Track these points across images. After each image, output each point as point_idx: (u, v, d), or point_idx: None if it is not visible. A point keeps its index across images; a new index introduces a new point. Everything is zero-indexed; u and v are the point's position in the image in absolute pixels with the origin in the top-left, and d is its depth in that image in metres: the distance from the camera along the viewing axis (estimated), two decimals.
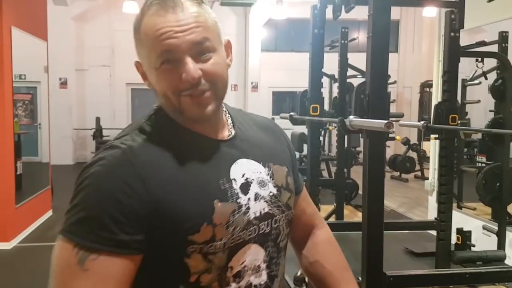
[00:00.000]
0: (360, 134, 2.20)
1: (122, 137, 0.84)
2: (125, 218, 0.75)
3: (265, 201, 0.90)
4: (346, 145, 5.64)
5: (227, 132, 0.93)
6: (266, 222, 0.89)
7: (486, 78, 4.38)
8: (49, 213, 5.92)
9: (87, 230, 0.74)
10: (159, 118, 0.88)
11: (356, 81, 5.03)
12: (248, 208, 0.86)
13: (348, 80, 5.25)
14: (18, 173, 4.89)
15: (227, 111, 0.97)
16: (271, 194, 0.91)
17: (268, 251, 0.90)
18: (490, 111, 3.82)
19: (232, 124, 0.95)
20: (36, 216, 5.49)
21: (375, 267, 2.08)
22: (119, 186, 0.76)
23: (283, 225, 0.94)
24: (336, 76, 5.48)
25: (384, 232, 2.10)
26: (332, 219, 5.12)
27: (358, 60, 5.52)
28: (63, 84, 10.95)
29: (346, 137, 5.57)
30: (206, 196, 0.82)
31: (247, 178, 0.89)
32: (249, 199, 0.87)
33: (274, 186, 0.93)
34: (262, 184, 0.91)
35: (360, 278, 2.16)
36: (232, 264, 0.84)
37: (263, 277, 0.90)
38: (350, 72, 5.29)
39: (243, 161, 0.90)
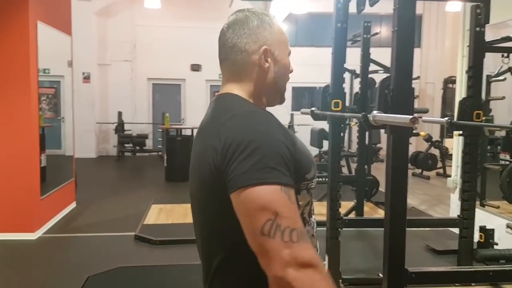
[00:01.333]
0: (380, 131, 2.19)
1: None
2: (291, 164, 1.00)
3: None
4: (367, 141, 5.60)
5: None
6: None
7: None
8: (73, 204, 6.03)
9: (281, 174, 0.97)
10: (247, 101, 1.15)
11: (377, 76, 4.97)
12: None
13: (369, 76, 5.20)
14: (42, 165, 4.98)
15: None
16: None
17: None
18: None
19: None
20: (60, 207, 5.60)
21: (397, 263, 2.07)
22: (285, 141, 1.01)
23: None
24: (357, 71, 5.44)
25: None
26: (352, 216, 5.11)
27: (380, 55, 5.47)
28: (86, 78, 11.12)
29: (367, 133, 5.54)
30: (307, 149, 1.13)
31: None
32: None
33: None
34: None
35: (381, 274, 2.16)
36: (312, 200, 1.16)
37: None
38: (371, 67, 5.24)
39: None
